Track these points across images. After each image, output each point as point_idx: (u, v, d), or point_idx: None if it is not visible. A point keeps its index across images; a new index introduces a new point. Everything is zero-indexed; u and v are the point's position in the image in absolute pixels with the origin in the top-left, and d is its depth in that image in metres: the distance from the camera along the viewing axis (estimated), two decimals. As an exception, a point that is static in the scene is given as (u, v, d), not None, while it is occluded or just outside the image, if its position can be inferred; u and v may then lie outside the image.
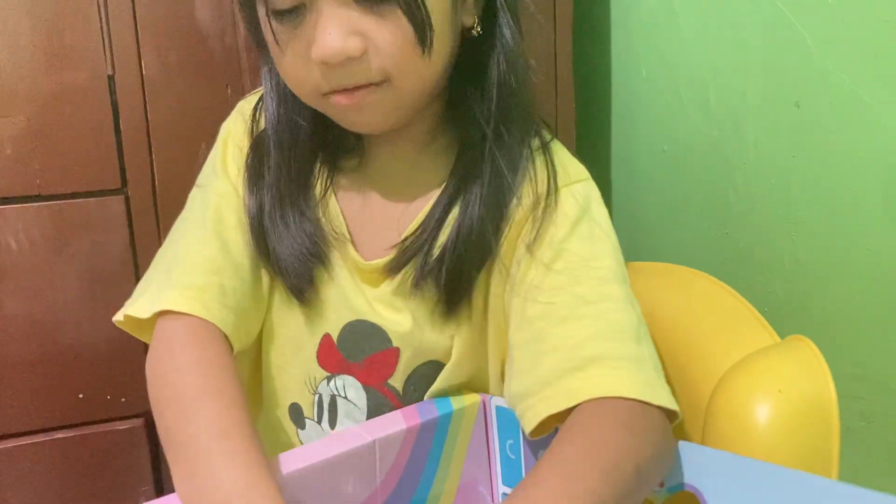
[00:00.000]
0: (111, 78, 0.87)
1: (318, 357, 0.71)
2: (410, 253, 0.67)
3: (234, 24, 0.88)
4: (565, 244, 0.65)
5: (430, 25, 0.60)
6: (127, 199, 0.89)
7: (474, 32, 0.65)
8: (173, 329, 0.63)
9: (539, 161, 0.69)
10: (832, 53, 0.76)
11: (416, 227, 0.68)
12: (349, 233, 0.70)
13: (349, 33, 0.59)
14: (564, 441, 0.54)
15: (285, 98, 0.69)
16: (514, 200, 0.66)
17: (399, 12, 0.59)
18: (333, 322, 0.70)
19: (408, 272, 0.67)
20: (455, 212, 0.67)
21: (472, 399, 0.68)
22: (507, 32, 0.67)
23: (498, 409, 0.68)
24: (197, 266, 0.66)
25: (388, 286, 0.69)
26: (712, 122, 0.93)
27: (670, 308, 0.79)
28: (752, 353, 0.66)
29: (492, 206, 0.66)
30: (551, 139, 0.71)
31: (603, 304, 0.62)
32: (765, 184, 0.86)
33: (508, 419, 0.67)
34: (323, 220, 0.70)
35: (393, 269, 0.68)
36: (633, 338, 0.61)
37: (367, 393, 0.71)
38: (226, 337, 0.63)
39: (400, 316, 0.69)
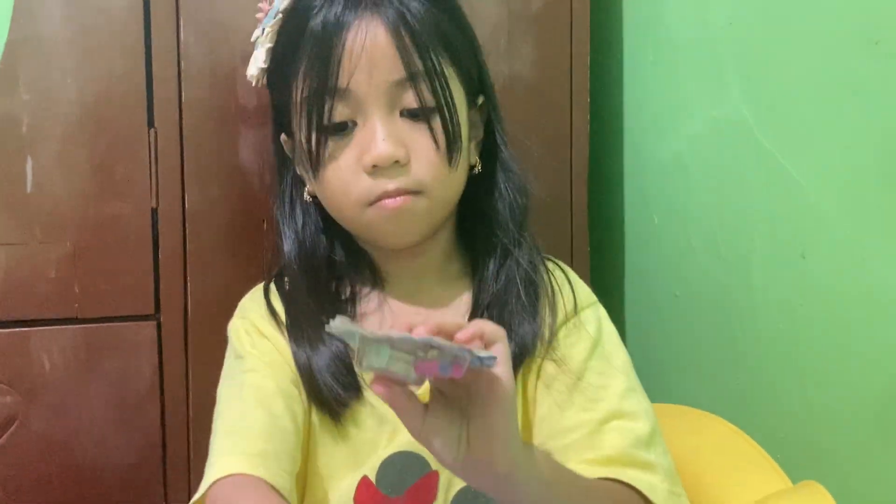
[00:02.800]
0: (154, 210, 0.92)
1: (355, 503, 0.72)
2: None
3: (273, 162, 0.95)
4: (588, 363, 0.75)
5: (461, 140, 0.72)
6: (159, 325, 0.92)
7: (476, 170, 0.78)
8: (234, 483, 0.66)
9: (560, 280, 0.79)
10: (835, 208, 0.81)
11: None
12: None
13: (397, 142, 0.70)
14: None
15: (310, 237, 0.79)
16: (545, 313, 0.76)
17: (436, 127, 0.71)
18: (372, 460, 0.72)
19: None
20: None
21: None
22: (504, 170, 0.79)
23: None
24: (251, 434, 0.69)
25: None
26: (722, 269, 0.97)
27: (682, 450, 0.80)
28: (764, 498, 0.67)
29: (527, 319, 0.75)
30: (558, 263, 0.82)
31: (624, 420, 0.72)
32: (773, 330, 0.89)
33: None
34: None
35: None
36: (645, 448, 0.71)
37: None
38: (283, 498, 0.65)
39: None
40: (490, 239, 0.78)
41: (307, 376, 0.73)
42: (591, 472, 0.69)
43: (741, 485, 0.70)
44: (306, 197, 0.79)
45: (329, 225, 0.79)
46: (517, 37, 1.03)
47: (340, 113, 0.71)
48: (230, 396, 0.74)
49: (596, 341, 0.76)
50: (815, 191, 0.83)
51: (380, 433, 0.73)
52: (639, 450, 0.71)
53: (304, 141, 0.73)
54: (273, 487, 0.65)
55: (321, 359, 0.73)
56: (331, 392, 0.72)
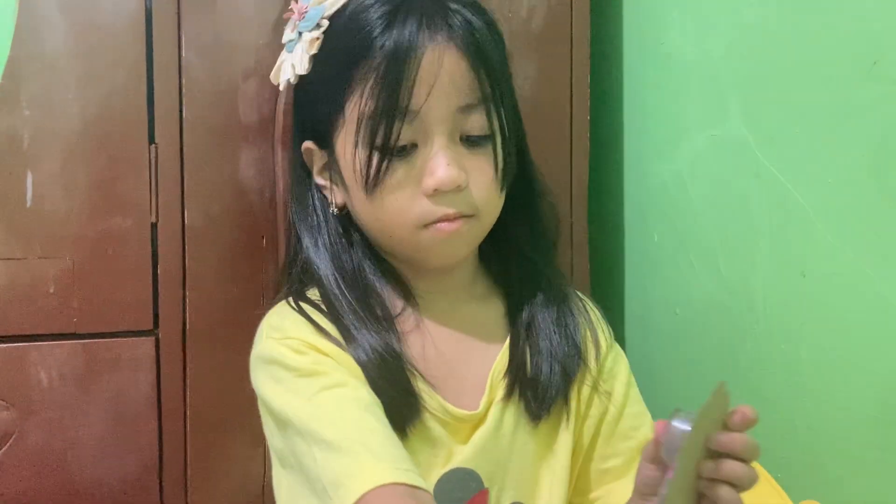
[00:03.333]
0: (154, 225, 0.92)
1: None
2: (516, 381, 0.75)
3: (273, 180, 0.95)
4: (629, 392, 0.80)
5: (512, 167, 0.73)
6: (157, 341, 0.92)
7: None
8: (388, 495, 0.61)
9: (595, 313, 0.82)
10: (835, 228, 0.81)
11: (505, 363, 0.76)
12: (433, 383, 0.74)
13: (460, 167, 0.70)
14: None
15: (338, 247, 0.77)
16: (587, 339, 0.79)
17: (489, 154, 0.72)
18: (428, 479, 0.71)
19: (515, 400, 0.75)
20: (528, 341, 0.77)
21: None
22: (532, 187, 0.80)
23: None
24: (380, 441, 0.65)
25: (487, 426, 0.74)
26: (722, 288, 0.96)
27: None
28: (765, 517, 0.66)
29: (567, 342, 0.77)
30: (582, 295, 0.83)
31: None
32: (774, 349, 0.88)
33: None
34: (405, 354, 0.74)
35: (505, 398, 0.75)
36: None
37: None
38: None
39: (491, 454, 0.74)
40: (519, 259, 0.80)
41: (375, 391, 0.70)
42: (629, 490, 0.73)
43: (741, 505, 0.70)
44: (333, 210, 0.77)
45: (353, 240, 0.77)
46: (518, 56, 1.03)
47: (404, 135, 0.70)
48: (323, 411, 0.67)
49: (629, 370, 0.81)
50: (816, 209, 0.82)
51: (434, 455, 0.73)
52: None
53: (358, 159, 0.71)
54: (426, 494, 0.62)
55: (384, 376, 0.71)
56: (398, 410, 0.70)
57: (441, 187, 0.70)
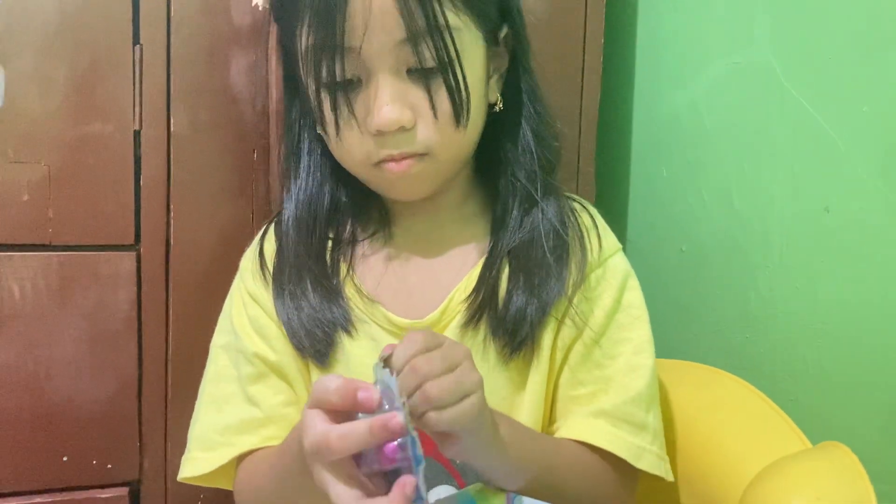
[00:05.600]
0: (137, 133, 0.86)
1: None
2: (481, 308, 0.70)
3: (266, 89, 0.89)
4: (614, 316, 0.72)
5: (469, 103, 0.67)
6: (138, 256, 0.87)
7: (497, 108, 0.73)
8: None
9: (586, 222, 0.75)
10: (865, 160, 0.76)
11: (472, 285, 0.71)
12: (379, 298, 0.73)
13: (403, 105, 0.66)
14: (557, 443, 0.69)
15: (315, 175, 0.76)
16: (572, 256, 0.73)
17: (442, 86, 0.66)
18: None
19: (476, 328, 0.70)
20: (506, 268, 0.72)
21: (497, 498, 0.64)
22: (530, 106, 0.75)
23: None
24: (234, 428, 0.73)
25: None
26: (736, 224, 0.92)
27: (691, 406, 0.77)
28: (784, 458, 0.63)
29: (551, 276, 0.71)
30: (586, 205, 0.78)
31: (631, 376, 0.71)
32: (789, 288, 0.85)
33: None
34: (347, 289, 0.73)
35: (465, 324, 0.71)
36: (645, 407, 0.70)
37: None
38: None
39: None
40: (513, 183, 0.74)
41: (290, 331, 0.73)
42: (584, 423, 0.70)
43: (758, 444, 0.67)
44: (319, 130, 0.74)
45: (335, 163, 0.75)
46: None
47: (344, 70, 0.66)
48: (212, 366, 0.76)
49: (621, 291, 0.73)
50: (846, 140, 0.78)
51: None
52: (638, 408, 0.71)
53: (308, 92, 0.69)
54: None
55: (302, 314, 0.72)
56: (312, 345, 0.72)
57: (382, 128, 0.66)
